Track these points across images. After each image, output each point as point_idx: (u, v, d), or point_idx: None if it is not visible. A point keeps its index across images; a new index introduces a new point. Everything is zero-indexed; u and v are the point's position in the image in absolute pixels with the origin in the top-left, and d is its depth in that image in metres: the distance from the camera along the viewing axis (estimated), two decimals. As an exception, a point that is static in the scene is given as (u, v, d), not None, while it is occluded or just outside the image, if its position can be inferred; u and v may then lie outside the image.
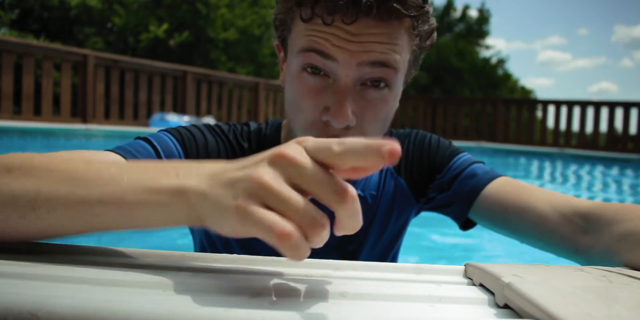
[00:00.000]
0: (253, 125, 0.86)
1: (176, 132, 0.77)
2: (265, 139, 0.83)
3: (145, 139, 0.74)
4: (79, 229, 0.43)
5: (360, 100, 0.67)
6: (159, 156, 0.72)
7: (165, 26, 11.30)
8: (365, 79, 0.67)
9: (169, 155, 0.74)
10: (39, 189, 0.43)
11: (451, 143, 0.91)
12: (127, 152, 0.69)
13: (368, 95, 0.67)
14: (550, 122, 7.69)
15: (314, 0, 0.64)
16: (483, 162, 0.87)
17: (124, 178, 0.43)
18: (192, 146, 0.77)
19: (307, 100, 0.68)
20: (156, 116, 6.71)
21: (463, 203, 0.83)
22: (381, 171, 0.87)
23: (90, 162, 0.46)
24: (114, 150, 0.69)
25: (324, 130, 0.68)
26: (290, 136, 0.82)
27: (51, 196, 0.42)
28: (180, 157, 0.75)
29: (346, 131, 0.68)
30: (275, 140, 0.84)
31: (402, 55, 0.68)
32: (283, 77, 0.78)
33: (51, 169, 0.45)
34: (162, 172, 0.42)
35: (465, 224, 0.87)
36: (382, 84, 0.67)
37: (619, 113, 7.17)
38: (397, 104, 0.76)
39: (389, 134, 0.92)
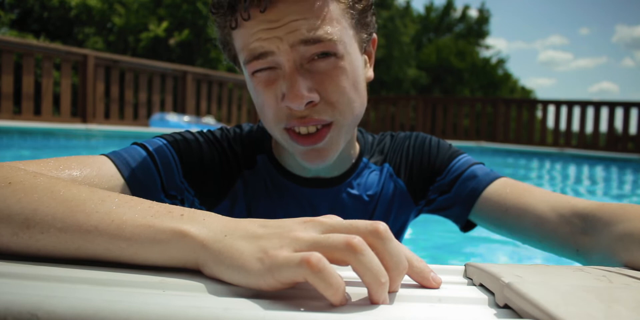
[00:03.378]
0: (245, 127, 0.87)
1: (172, 139, 0.77)
2: (256, 142, 0.84)
3: (142, 145, 0.74)
4: (71, 253, 0.43)
5: (315, 75, 0.68)
6: (154, 163, 0.72)
7: (165, 24, 11.30)
8: (307, 56, 0.67)
9: (165, 162, 0.74)
10: (37, 208, 0.43)
11: (451, 145, 0.91)
12: (122, 159, 0.69)
13: (319, 67, 0.68)
14: (550, 122, 7.67)
15: (231, 6, 0.66)
16: (483, 163, 0.87)
17: (126, 210, 0.43)
18: (188, 154, 0.77)
19: (266, 94, 0.70)
20: (156, 116, 6.71)
21: (463, 205, 0.83)
22: (380, 172, 0.87)
23: (94, 189, 0.46)
24: (109, 156, 0.69)
25: (290, 115, 0.70)
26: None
27: (47, 217, 0.42)
28: (176, 164, 0.75)
29: (314, 108, 0.69)
30: (265, 145, 0.84)
31: (334, 24, 0.67)
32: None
33: (52, 190, 0.44)
34: (166, 211, 0.43)
35: (466, 226, 0.87)
36: (325, 55, 0.68)
37: (619, 113, 7.16)
38: (361, 71, 0.74)
39: (390, 136, 0.92)
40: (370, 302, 0.37)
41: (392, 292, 0.40)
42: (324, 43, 0.66)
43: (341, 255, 0.36)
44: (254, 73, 0.70)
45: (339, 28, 0.68)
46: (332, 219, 0.41)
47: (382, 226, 0.39)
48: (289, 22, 0.65)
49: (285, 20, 0.65)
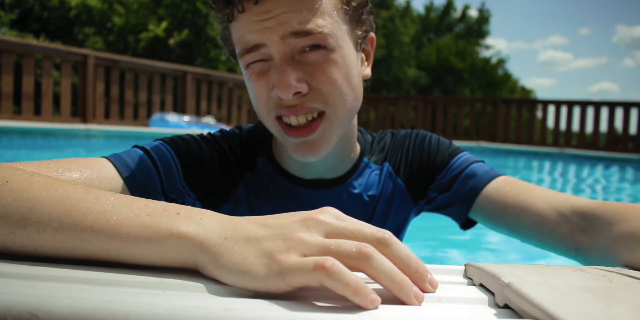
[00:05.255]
0: (245, 128, 0.87)
1: (173, 142, 0.78)
2: (257, 144, 0.84)
3: (143, 148, 0.74)
4: (68, 253, 0.42)
5: (305, 66, 0.69)
6: (155, 166, 0.73)
7: (164, 24, 11.31)
8: (298, 48, 0.68)
9: (166, 166, 0.74)
10: (33, 207, 0.43)
11: (451, 143, 0.91)
12: (122, 162, 0.69)
13: (310, 59, 0.69)
14: (550, 122, 7.67)
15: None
16: (483, 161, 0.87)
17: (121, 210, 0.43)
18: (188, 157, 0.77)
19: (258, 85, 0.71)
20: (156, 116, 6.71)
21: (463, 203, 0.83)
22: (380, 172, 0.87)
23: (90, 188, 0.46)
24: (110, 158, 0.69)
25: (279, 105, 0.70)
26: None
27: (44, 216, 0.42)
28: (177, 168, 0.75)
29: (304, 98, 0.69)
30: (265, 146, 0.84)
31: (326, 17, 0.68)
32: None
33: (49, 189, 0.44)
34: (162, 210, 0.43)
35: (466, 224, 0.87)
36: (316, 47, 0.69)
37: (619, 113, 7.15)
38: (354, 66, 0.74)
39: (391, 135, 0.92)
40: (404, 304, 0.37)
41: (427, 292, 0.40)
42: (314, 35, 0.67)
43: (354, 262, 0.37)
44: (248, 65, 0.71)
45: (330, 21, 0.69)
46: (332, 218, 0.41)
47: (387, 234, 0.40)
48: (280, 14, 0.66)
49: (276, 12, 0.66)
